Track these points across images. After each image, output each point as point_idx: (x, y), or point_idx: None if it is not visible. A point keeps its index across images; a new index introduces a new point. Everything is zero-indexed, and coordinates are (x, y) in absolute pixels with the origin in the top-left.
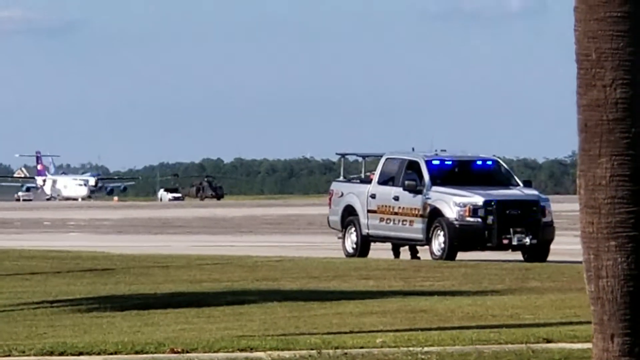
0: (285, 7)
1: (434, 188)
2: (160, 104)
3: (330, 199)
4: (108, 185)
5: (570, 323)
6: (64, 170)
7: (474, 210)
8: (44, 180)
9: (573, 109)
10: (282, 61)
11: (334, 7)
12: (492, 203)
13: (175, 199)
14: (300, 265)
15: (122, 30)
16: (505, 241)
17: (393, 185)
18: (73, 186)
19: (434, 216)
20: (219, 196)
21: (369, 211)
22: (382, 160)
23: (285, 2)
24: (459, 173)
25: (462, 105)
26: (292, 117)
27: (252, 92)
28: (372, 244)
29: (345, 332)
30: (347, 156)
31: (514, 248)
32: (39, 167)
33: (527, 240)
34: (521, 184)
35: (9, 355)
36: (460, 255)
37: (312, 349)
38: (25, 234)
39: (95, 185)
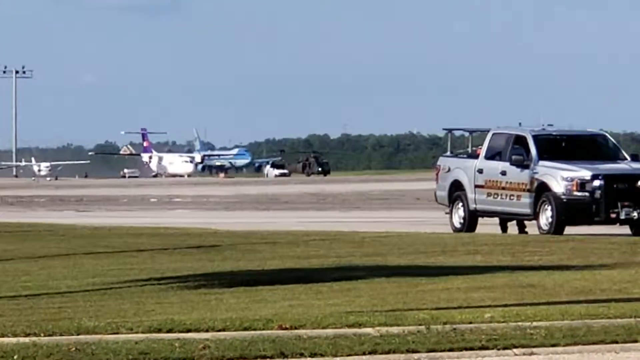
0: None
1: (541, 162)
2: (267, 79)
3: (437, 174)
4: (257, 161)
5: None
6: (170, 147)
7: (582, 185)
8: (150, 157)
9: None
10: (388, 36)
11: None
12: (600, 177)
13: (282, 175)
14: (407, 241)
15: (227, 4)
16: (613, 215)
17: (500, 160)
18: (179, 163)
19: (541, 191)
20: (325, 172)
21: (476, 186)
22: (489, 135)
23: None
24: (566, 147)
25: (569, 79)
26: (399, 92)
27: (359, 67)
28: (479, 218)
29: (454, 308)
30: (453, 131)
31: (622, 222)
32: (145, 144)
33: (635, 214)
34: (629, 158)
35: (117, 333)
36: (568, 230)
37: (420, 325)
38: (132, 211)
39: (202, 162)
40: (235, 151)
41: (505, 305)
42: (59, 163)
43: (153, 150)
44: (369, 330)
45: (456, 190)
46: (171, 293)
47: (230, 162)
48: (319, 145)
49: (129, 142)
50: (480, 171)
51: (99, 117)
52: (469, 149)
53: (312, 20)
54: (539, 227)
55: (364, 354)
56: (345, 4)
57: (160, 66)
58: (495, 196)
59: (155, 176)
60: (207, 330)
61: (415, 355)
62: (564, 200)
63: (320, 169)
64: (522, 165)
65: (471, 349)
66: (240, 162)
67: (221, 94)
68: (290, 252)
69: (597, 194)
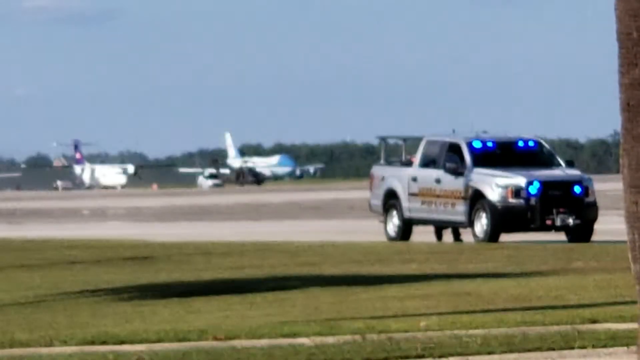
0: None
1: (476, 170)
2: (199, 89)
3: (371, 183)
4: (300, 169)
5: (616, 303)
6: (102, 159)
7: (517, 192)
8: (83, 169)
9: (616, 88)
10: (321, 43)
11: None
12: (535, 184)
13: (215, 185)
14: (342, 250)
15: (158, 16)
16: (549, 222)
17: (434, 167)
18: (112, 175)
19: (476, 198)
20: (259, 182)
21: (410, 194)
22: (423, 143)
23: None
24: (500, 154)
25: (503, 86)
26: (332, 101)
27: (292, 75)
28: (414, 227)
29: (389, 317)
30: (387, 139)
31: (558, 229)
32: (77, 156)
33: (571, 220)
34: (564, 164)
35: (50, 346)
36: (503, 237)
37: (355, 334)
38: (65, 223)
39: (134, 174)
40: (276, 159)
41: (441, 314)
42: None
43: (86, 162)
44: (304, 340)
45: (390, 199)
46: (105, 305)
47: (271, 171)
48: (252, 154)
49: (61, 154)
50: (415, 179)
51: (30, 129)
52: (403, 157)
53: (245, 29)
54: (474, 235)
55: None
56: (278, 13)
57: (92, 78)
58: (430, 204)
59: (88, 188)
60: (141, 342)
61: None
62: (499, 207)
63: (253, 179)
64: (457, 172)
65: (407, 358)
66: (282, 170)
67: (153, 104)
68: (224, 262)
69: (533, 200)
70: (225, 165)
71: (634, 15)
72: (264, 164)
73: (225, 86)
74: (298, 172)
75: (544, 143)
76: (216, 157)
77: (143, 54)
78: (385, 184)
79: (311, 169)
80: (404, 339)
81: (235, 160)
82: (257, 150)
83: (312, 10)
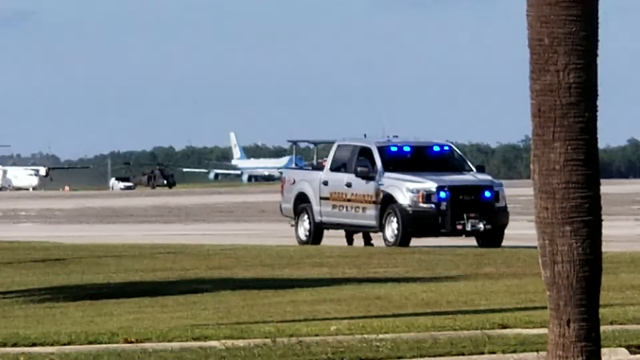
0: None
1: (387, 174)
2: (111, 92)
3: (282, 187)
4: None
5: (526, 308)
6: (14, 160)
7: (427, 196)
8: None
9: (526, 94)
10: (230, 48)
11: None
12: (446, 189)
13: (127, 187)
14: (253, 254)
15: (72, 18)
16: (459, 227)
17: (345, 171)
18: (24, 176)
19: (386, 202)
20: (170, 184)
21: (321, 198)
22: (334, 147)
23: None
24: (411, 159)
25: (414, 91)
26: (243, 104)
27: (203, 79)
28: (325, 231)
29: (300, 320)
30: (298, 143)
31: (468, 234)
32: None
33: (481, 225)
34: (474, 169)
35: None
36: (414, 242)
37: (266, 338)
38: None
39: (46, 175)
40: (285, 160)
41: (352, 318)
42: None
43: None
44: (214, 343)
45: (301, 203)
46: (16, 307)
47: (280, 172)
48: (163, 157)
49: None
50: (326, 183)
51: None
52: (314, 161)
53: (156, 33)
54: (385, 239)
55: None
56: (182, 16)
57: (3, 79)
58: (341, 208)
59: (0, 190)
60: (52, 344)
61: None
62: (410, 212)
63: (165, 182)
64: (368, 177)
65: None
66: None
67: (65, 106)
68: (136, 265)
69: (443, 205)
70: (232, 166)
71: (545, 22)
72: (272, 165)
73: (137, 90)
74: None
75: (454, 148)
76: (128, 160)
77: (56, 55)
78: (296, 188)
79: None
80: (315, 342)
81: (240, 161)
82: (169, 153)
83: (217, 18)
